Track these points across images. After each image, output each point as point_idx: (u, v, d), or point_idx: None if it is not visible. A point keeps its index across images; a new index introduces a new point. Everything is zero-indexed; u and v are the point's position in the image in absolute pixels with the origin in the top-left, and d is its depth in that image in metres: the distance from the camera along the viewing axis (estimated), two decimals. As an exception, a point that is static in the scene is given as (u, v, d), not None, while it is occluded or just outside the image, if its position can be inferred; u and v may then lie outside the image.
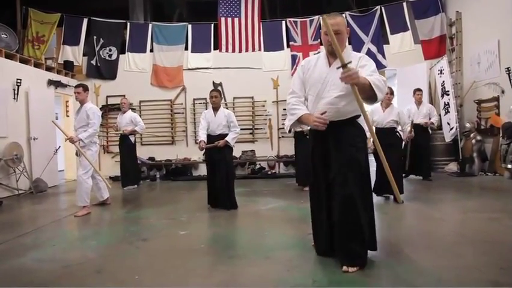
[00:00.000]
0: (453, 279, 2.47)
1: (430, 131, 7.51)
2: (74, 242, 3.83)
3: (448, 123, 8.04)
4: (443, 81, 8.15)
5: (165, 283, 2.48)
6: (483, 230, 3.64)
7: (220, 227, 4.25)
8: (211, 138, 5.11)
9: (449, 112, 8.00)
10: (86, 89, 5.28)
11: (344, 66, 2.39)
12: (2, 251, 3.47)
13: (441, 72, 8.22)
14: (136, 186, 7.63)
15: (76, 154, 5.28)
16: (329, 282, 2.49)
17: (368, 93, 2.52)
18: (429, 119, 7.25)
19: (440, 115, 8.50)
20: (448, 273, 2.56)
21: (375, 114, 5.14)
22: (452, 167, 8.11)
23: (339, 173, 2.68)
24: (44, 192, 7.21)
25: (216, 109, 5.18)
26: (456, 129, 7.74)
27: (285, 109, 9.49)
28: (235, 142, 5.22)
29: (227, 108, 9.24)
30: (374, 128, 5.02)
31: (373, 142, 2.85)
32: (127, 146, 7.50)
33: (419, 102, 7.29)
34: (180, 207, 5.36)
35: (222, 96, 5.37)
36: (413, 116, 6.99)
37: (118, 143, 7.83)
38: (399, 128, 5.47)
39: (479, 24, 7.97)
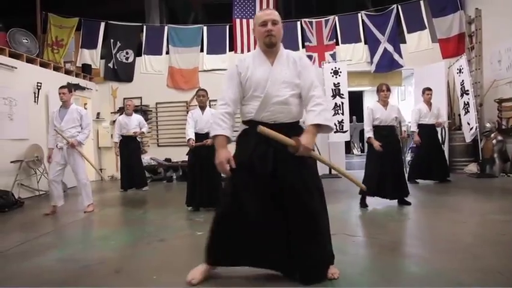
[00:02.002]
0: (473, 281, 2.41)
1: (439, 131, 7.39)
2: (93, 242, 3.88)
3: (468, 123, 7.88)
4: (462, 80, 8.00)
5: (183, 283, 2.49)
6: (504, 233, 3.55)
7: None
8: (198, 136, 5.22)
9: (468, 112, 7.85)
10: (70, 90, 5.40)
11: (294, 147, 2.25)
12: (23, 250, 3.54)
13: (460, 71, 8.07)
14: (146, 188, 7.61)
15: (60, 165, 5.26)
16: (346, 283, 2.46)
17: (323, 131, 2.43)
18: (438, 119, 7.06)
19: (459, 115, 8.36)
20: (467, 276, 2.50)
21: (376, 112, 4.98)
22: (472, 168, 7.95)
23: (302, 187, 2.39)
24: (64, 193, 7.32)
25: (202, 108, 5.31)
26: (476, 129, 7.58)
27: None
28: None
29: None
30: (371, 136, 4.99)
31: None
32: (136, 148, 7.55)
33: (428, 102, 6.95)
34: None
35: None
36: (424, 116, 6.87)
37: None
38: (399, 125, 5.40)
39: (500, 22, 7.80)
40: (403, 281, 2.50)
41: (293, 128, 2.47)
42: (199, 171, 5.16)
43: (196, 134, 5.23)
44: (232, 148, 2.53)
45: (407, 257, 2.98)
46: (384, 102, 5.01)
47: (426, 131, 6.84)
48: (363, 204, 4.95)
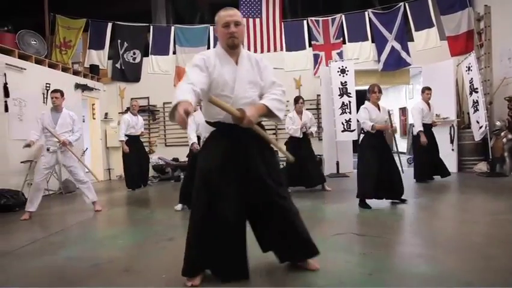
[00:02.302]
0: (483, 282, 2.39)
1: None
2: (102, 241, 3.91)
3: (477, 122, 7.80)
4: (471, 78, 7.91)
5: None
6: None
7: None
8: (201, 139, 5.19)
9: (478, 110, 7.77)
10: (63, 94, 5.36)
11: (239, 119, 2.26)
12: (34, 249, 3.58)
13: (469, 69, 7.99)
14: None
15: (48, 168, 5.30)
16: (355, 283, 2.45)
17: (269, 115, 2.44)
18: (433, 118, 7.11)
19: (468, 113, 8.29)
20: (476, 276, 2.48)
21: (372, 113, 4.90)
22: (482, 166, 7.87)
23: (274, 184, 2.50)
24: (72, 192, 7.40)
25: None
26: (486, 127, 7.50)
27: (308, 109, 9.45)
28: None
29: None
30: (373, 124, 4.87)
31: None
32: (142, 147, 7.82)
33: (427, 102, 6.94)
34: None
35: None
36: (425, 116, 6.83)
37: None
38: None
39: (510, 18, 7.70)
40: (412, 281, 2.48)
41: (259, 126, 2.51)
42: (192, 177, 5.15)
43: (199, 138, 5.21)
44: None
45: (416, 256, 2.95)
46: (375, 104, 4.97)
47: (428, 130, 6.84)
48: (364, 205, 4.84)
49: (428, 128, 6.84)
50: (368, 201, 4.87)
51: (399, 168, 5.07)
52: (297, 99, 6.47)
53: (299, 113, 6.39)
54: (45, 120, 5.17)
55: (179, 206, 5.24)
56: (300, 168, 6.09)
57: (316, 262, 2.65)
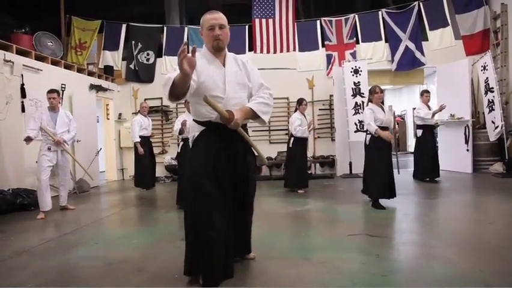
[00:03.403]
0: (499, 283, 2.35)
1: None
2: (115, 241, 3.95)
3: (493, 122, 7.67)
4: (487, 78, 7.79)
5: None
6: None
7: (257, 228, 4.21)
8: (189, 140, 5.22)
9: (493, 110, 7.64)
10: (59, 94, 5.52)
11: (227, 119, 2.32)
12: (49, 248, 3.64)
13: (484, 69, 7.86)
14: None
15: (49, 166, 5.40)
16: (369, 284, 2.43)
17: (254, 119, 2.52)
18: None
19: (483, 113, 8.16)
20: (493, 277, 2.44)
21: (378, 114, 4.88)
22: (497, 167, 7.73)
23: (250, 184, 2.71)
24: (86, 192, 7.50)
25: None
26: (501, 127, 7.37)
27: (320, 109, 9.43)
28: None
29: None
30: (377, 128, 4.86)
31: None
32: (152, 149, 7.99)
33: (426, 104, 7.19)
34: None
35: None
36: (426, 117, 7.03)
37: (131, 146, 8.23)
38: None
39: (527, 17, 7.56)
40: (427, 282, 2.46)
41: (243, 128, 2.54)
42: None
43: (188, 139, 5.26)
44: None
45: (431, 257, 2.92)
46: (378, 105, 4.97)
47: (429, 130, 7.18)
48: (378, 206, 4.82)
49: (430, 128, 7.20)
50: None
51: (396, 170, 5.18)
52: (301, 101, 6.57)
53: (303, 114, 6.54)
54: (44, 120, 5.28)
55: None
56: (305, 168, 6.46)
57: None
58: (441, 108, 6.87)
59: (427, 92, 7.33)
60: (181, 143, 5.56)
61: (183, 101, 5.50)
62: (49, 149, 5.28)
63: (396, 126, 5.25)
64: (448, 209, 4.79)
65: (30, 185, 6.27)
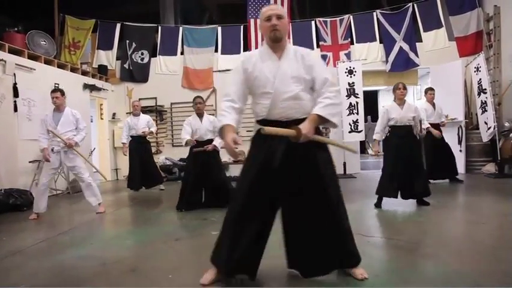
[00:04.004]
0: (493, 284, 2.37)
1: None
2: (110, 241, 3.93)
3: (485, 123, 7.74)
4: (480, 79, 7.85)
5: (198, 283, 2.51)
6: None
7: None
8: (200, 143, 5.21)
9: (486, 111, 7.70)
10: (63, 93, 5.23)
11: (296, 137, 2.26)
12: (43, 248, 3.62)
13: (477, 70, 7.93)
14: (162, 185, 7.66)
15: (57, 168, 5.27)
16: (362, 284, 2.44)
17: (324, 123, 2.42)
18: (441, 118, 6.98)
19: (476, 114, 8.22)
20: (487, 278, 2.46)
21: (392, 113, 4.90)
22: (490, 168, 7.80)
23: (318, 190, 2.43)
24: (80, 192, 7.41)
25: (200, 115, 5.31)
26: (494, 128, 7.44)
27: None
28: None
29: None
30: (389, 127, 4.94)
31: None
32: (148, 147, 7.50)
33: (431, 102, 6.87)
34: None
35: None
36: (430, 116, 6.76)
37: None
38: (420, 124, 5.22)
39: (519, 19, 7.64)
40: (421, 282, 2.47)
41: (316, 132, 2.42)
42: (193, 178, 5.19)
43: (197, 141, 5.23)
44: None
45: (424, 258, 2.94)
46: (401, 101, 4.95)
47: (436, 129, 6.74)
48: (378, 204, 4.94)
49: (435, 128, 6.76)
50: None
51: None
52: None
53: None
54: (47, 121, 5.10)
55: None
56: None
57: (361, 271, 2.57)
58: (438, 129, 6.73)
59: (431, 89, 6.98)
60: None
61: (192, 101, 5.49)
62: (52, 150, 5.06)
63: (424, 125, 5.19)
64: (441, 209, 4.82)
65: (23, 185, 6.24)
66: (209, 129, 5.26)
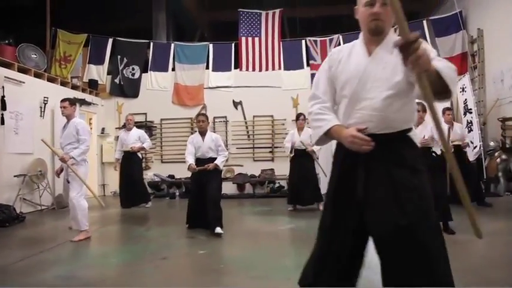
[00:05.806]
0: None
1: None
2: (94, 259, 3.86)
3: (471, 142, 7.85)
4: (466, 99, 8.01)
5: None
6: (511, 253, 3.51)
7: (239, 247, 4.22)
8: (201, 161, 5.10)
9: (472, 130, 7.84)
10: (72, 103, 4.89)
11: (408, 43, 1.54)
12: (25, 266, 3.53)
13: (463, 90, 8.10)
14: (149, 204, 7.38)
15: (67, 181, 4.79)
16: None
17: (436, 87, 1.64)
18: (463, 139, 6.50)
19: (463, 134, 8.35)
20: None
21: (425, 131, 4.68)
22: (477, 187, 7.87)
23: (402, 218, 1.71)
24: (66, 208, 7.30)
25: (203, 134, 5.20)
26: (480, 148, 7.56)
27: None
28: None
29: (246, 127, 9.36)
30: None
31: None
32: (137, 163, 7.18)
33: (450, 122, 6.18)
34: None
35: (208, 120, 5.45)
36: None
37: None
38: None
39: (502, 41, 7.85)
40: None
41: (392, 142, 1.79)
42: (197, 194, 5.10)
43: (198, 159, 5.13)
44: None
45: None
46: (418, 123, 4.75)
47: (455, 151, 6.02)
48: None
49: (455, 149, 6.11)
50: None
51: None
52: (298, 116, 6.67)
53: (300, 129, 6.51)
54: (59, 133, 4.87)
55: None
56: (297, 186, 6.30)
57: None
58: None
59: (449, 109, 6.25)
60: None
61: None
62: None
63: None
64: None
65: (5, 199, 6.11)
66: (211, 147, 5.14)
